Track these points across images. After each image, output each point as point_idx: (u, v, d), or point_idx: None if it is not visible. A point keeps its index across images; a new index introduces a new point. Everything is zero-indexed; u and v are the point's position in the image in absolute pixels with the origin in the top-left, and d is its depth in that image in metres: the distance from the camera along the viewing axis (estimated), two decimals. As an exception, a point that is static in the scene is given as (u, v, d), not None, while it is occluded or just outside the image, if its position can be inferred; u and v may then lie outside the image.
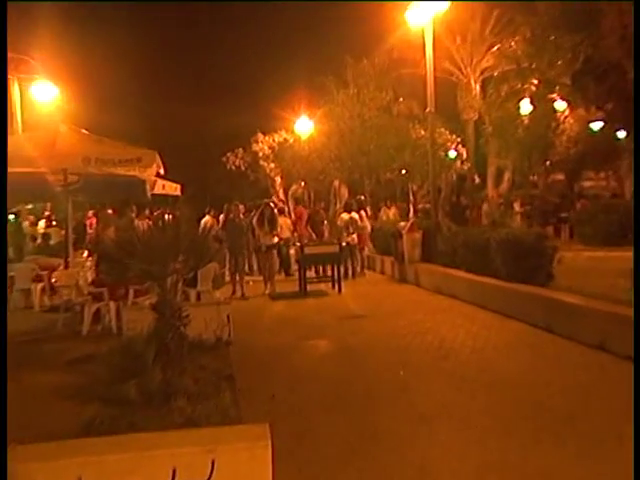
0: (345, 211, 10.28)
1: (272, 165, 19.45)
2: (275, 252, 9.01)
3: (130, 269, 3.87)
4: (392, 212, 12.36)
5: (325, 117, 15.68)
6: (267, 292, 8.42)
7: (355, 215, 10.13)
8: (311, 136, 16.50)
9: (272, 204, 9.77)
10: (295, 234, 10.62)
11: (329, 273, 9.48)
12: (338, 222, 10.14)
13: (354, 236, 10.02)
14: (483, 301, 6.58)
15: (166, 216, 4.98)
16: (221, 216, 11.26)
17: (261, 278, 8.83)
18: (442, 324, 5.89)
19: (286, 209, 12.24)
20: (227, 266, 8.76)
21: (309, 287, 8.67)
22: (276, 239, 8.85)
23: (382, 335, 5.57)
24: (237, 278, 8.36)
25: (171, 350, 3.80)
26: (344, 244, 9.40)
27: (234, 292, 8.21)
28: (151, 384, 3.59)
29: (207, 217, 11.15)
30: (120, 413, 3.31)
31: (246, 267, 9.20)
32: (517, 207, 14.43)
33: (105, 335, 5.50)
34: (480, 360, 4.53)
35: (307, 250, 8.51)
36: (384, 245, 11.06)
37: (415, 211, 15.55)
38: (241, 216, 8.86)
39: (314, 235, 10.58)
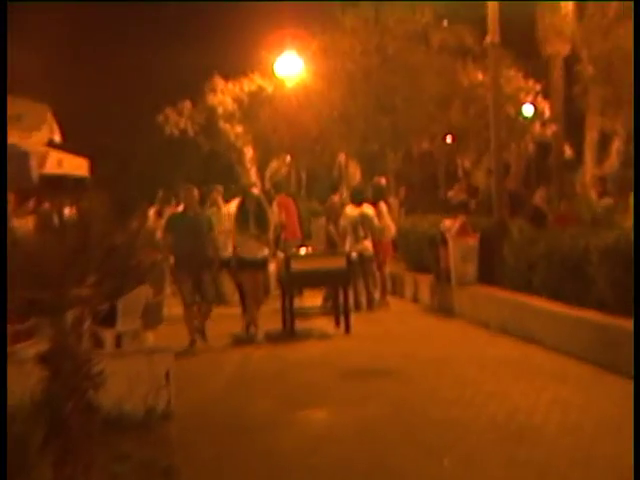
0: (353, 203, 10.23)
1: (239, 129, 19.54)
2: (266, 270, 8.69)
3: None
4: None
5: (324, 53, 15.69)
6: (247, 331, 8.33)
7: (369, 210, 10.09)
8: (301, 83, 16.54)
9: (256, 190, 9.64)
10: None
11: (326, 300, 9.56)
12: (341, 221, 10.09)
13: (368, 243, 9.98)
14: (579, 348, 6.54)
15: (65, 211, 4.94)
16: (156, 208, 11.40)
17: (233, 310, 8.87)
18: (512, 385, 5.88)
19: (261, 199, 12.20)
20: (175, 291, 8.71)
21: (299, 323, 8.68)
22: (266, 250, 8.47)
23: (414, 402, 5.57)
24: (195, 311, 8.06)
25: (72, 430, 3.75)
26: (354, 256, 9.40)
27: (192, 339, 7.88)
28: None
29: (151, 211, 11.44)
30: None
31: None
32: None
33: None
34: (574, 445, 4.50)
35: (296, 265, 8.46)
36: (417, 257, 11.14)
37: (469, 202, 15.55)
38: (197, 209, 8.45)
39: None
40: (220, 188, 11.40)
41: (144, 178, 25.93)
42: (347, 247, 9.75)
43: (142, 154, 25.97)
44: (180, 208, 10.14)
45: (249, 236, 8.26)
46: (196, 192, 8.27)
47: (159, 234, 11.37)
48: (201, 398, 5.98)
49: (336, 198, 11.32)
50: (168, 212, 11.15)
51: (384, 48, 14.97)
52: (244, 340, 8.32)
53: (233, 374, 6.90)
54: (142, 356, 5.25)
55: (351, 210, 10.04)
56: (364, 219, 9.95)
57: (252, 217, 8.33)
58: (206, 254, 7.99)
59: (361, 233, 9.89)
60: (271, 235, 8.72)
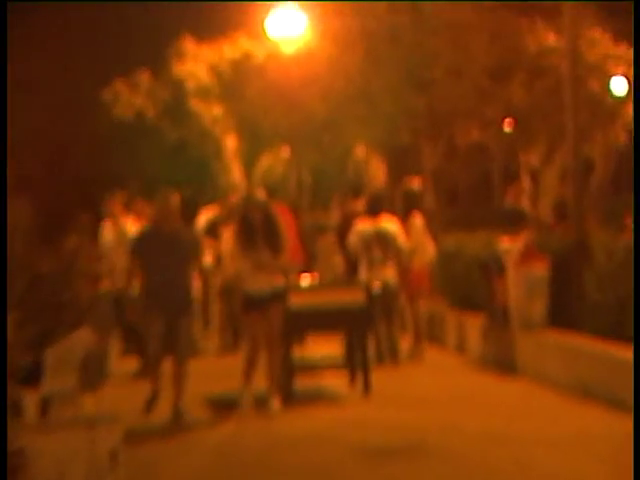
0: (369, 213, 10.27)
1: (217, 110, 19.66)
2: (282, 306, 8.27)
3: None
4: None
5: (336, 7, 15.79)
6: (272, 402, 7.98)
7: (389, 224, 10.16)
8: (305, 48, 16.65)
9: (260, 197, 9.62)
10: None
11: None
12: (350, 238, 10.15)
13: (390, 270, 10.03)
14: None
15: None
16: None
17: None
18: (594, 474, 5.85)
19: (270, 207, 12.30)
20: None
21: (301, 382, 8.72)
22: (281, 279, 8.28)
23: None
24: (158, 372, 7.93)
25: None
26: (377, 287, 9.43)
27: (154, 390, 7.88)
28: None
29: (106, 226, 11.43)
30: None
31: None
32: None
33: None
34: None
35: (296, 300, 8.51)
36: (464, 290, 11.22)
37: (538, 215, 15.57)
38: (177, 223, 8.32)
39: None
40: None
41: (83, 178, 26.09)
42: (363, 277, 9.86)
43: (81, 145, 26.12)
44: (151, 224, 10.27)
45: (256, 263, 8.05)
46: (176, 199, 8.23)
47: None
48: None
49: (359, 206, 11.41)
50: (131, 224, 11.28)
51: (419, 3, 15.05)
52: (226, 404, 8.33)
53: (206, 455, 6.88)
54: (78, 430, 5.25)
55: (363, 224, 10.10)
56: (382, 236, 10.00)
57: (260, 234, 8.14)
58: (187, 289, 7.98)
59: (377, 255, 9.94)
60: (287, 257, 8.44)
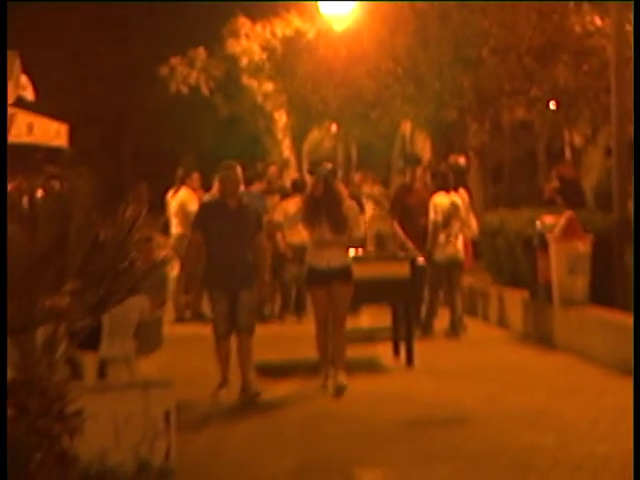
0: (443, 189, 10.28)
1: (268, 86, 19.62)
2: (349, 284, 7.82)
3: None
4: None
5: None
6: (330, 383, 7.68)
7: (459, 199, 10.28)
8: (354, 26, 16.52)
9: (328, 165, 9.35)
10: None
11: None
12: (431, 213, 10.13)
13: (459, 245, 10.21)
14: None
15: (37, 192, 5.00)
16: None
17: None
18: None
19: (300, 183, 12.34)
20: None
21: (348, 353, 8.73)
22: (348, 256, 7.91)
23: (500, 464, 5.53)
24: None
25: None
26: (421, 261, 9.40)
27: (224, 378, 7.52)
28: None
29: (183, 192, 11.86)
30: None
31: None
32: None
33: None
34: None
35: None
36: (507, 266, 11.13)
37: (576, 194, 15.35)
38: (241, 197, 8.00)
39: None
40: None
41: (141, 151, 26.30)
42: (437, 249, 10.02)
43: (138, 119, 26.26)
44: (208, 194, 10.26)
45: (318, 238, 7.71)
46: (239, 172, 7.81)
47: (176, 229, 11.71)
48: (210, 451, 6.02)
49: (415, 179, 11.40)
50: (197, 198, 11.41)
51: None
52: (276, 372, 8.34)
53: (253, 420, 6.93)
54: (134, 392, 5.29)
55: (442, 199, 10.18)
56: (457, 210, 10.14)
57: (323, 209, 7.73)
58: (249, 263, 7.56)
59: (454, 229, 10.10)
60: (358, 234, 7.92)
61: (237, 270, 7.45)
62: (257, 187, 12.06)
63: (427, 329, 10.12)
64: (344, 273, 7.74)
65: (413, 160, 13.59)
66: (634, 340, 6.89)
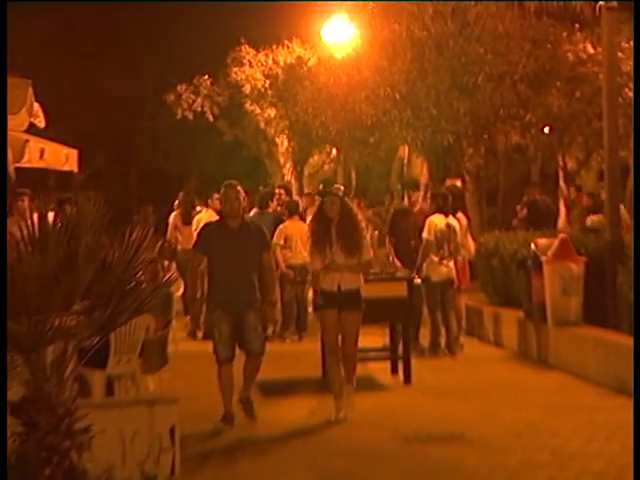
0: (439, 211, 10.30)
1: (270, 112, 19.70)
2: (357, 312, 7.33)
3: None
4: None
5: (384, 15, 15.73)
6: (341, 413, 7.15)
7: (455, 222, 10.30)
8: (353, 54, 16.62)
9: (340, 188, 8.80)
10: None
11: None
12: (425, 234, 10.09)
13: (451, 265, 10.18)
14: None
15: (49, 215, 5.02)
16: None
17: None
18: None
19: (300, 205, 12.34)
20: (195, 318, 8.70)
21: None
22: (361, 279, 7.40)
23: (500, 476, 5.49)
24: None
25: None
26: (417, 281, 9.41)
27: (227, 412, 6.99)
28: None
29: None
30: None
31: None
32: None
33: None
34: None
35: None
36: (502, 286, 11.10)
37: (567, 214, 15.39)
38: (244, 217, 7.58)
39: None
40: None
41: (147, 174, 26.36)
42: (425, 268, 9.96)
43: (145, 144, 26.38)
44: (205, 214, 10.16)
45: (329, 261, 7.18)
46: (242, 193, 7.31)
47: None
48: (215, 465, 5.98)
49: (418, 200, 11.41)
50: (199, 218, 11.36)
51: (463, 10, 14.93)
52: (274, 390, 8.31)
53: (258, 436, 6.90)
54: (140, 408, 5.29)
55: (438, 219, 10.16)
56: (452, 234, 10.12)
57: (335, 232, 7.23)
58: (254, 284, 7.13)
59: (447, 250, 10.06)
60: (368, 257, 7.36)
61: (241, 292, 7.05)
62: (273, 208, 12.00)
63: (435, 348, 10.11)
64: (356, 297, 7.26)
65: (411, 184, 13.60)
66: (634, 355, 6.87)
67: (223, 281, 7.08)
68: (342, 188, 7.71)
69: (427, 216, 10.38)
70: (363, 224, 7.60)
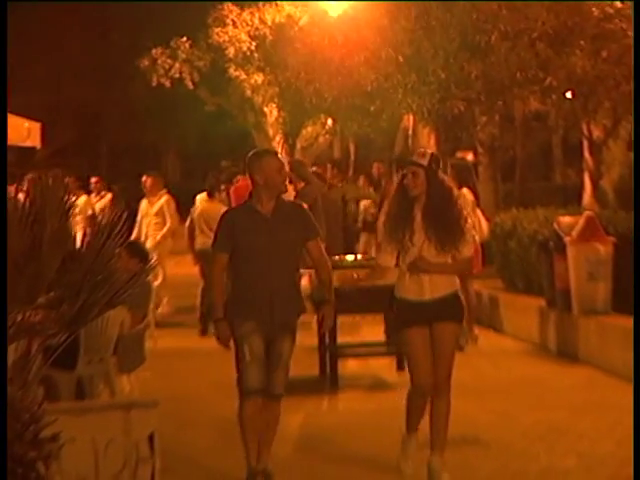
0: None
1: (258, 78, 19.67)
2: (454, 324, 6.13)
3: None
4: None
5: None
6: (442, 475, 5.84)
7: (469, 195, 10.32)
8: (350, 11, 16.59)
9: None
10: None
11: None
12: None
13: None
14: None
15: (19, 195, 5.02)
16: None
17: None
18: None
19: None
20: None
21: (346, 366, 8.81)
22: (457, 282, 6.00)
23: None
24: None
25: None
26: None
27: (252, 469, 5.86)
28: None
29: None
30: None
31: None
32: None
33: None
34: None
35: (340, 278, 8.38)
36: (521, 271, 11.12)
37: (594, 189, 15.40)
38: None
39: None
40: None
41: (119, 149, 26.35)
42: None
43: (117, 115, 26.34)
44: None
45: (413, 258, 5.80)
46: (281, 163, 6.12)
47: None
48: (200, 477, 5.99)
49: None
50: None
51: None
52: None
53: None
54: (115, 413, 5.27)
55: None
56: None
57: (427, 217, 5.79)
58: (293, 293, 6.03)
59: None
60: (468, 253, 5.99)
61: (277, 302, 5.85)
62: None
63: None
64: (453, 303, 5.95)
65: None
66: (634, 338, 6.89)
67: (252, 285, 5.89)
68: (429, 153, 5.85)
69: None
70: (462, 207, 6.05)
